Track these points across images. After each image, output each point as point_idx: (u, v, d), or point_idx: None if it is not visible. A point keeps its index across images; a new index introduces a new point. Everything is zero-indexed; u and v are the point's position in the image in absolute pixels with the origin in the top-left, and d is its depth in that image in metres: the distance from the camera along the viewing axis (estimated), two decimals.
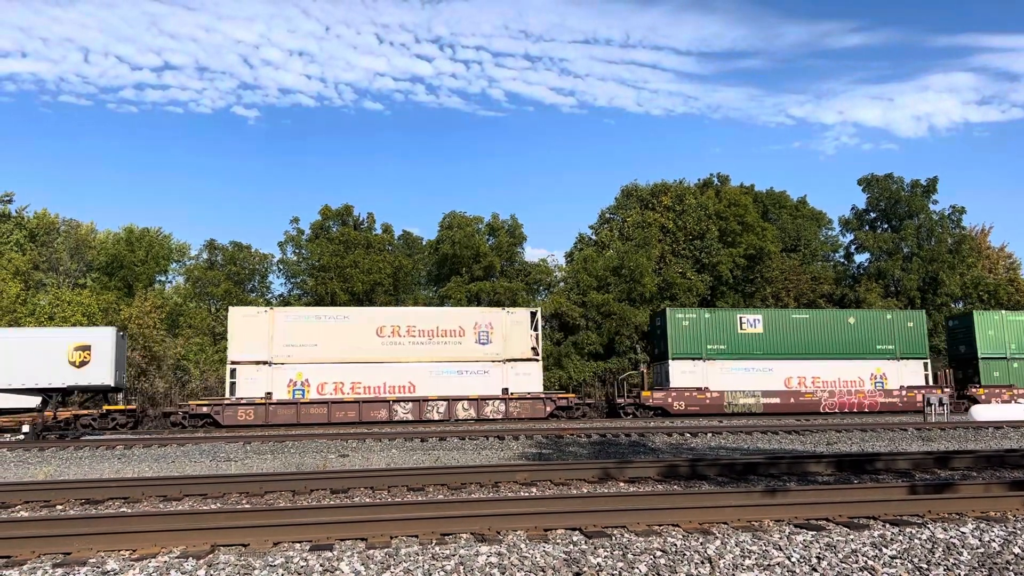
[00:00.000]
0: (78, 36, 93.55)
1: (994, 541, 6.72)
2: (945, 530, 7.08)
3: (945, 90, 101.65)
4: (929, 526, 7.30)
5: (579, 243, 49.72)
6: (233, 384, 26.76)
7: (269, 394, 26.73)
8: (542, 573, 5.89)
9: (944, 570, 5.96)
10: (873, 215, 53.63)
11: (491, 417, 27.62)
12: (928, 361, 32.66)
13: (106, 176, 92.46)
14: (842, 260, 54.92)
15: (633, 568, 5.95)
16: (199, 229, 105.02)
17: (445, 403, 27.39)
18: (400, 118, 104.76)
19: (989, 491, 8.98)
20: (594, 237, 49.35)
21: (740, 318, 31.85)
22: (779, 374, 31.29)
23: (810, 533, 7.03)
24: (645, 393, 30.17)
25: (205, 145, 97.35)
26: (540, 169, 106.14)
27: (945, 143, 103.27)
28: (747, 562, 6.11)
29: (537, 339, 28.89)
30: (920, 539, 6.75)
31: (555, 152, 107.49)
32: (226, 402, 26.36)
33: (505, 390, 28.12)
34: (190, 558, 6.30)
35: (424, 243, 48.65)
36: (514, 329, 28.84)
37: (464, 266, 42.92)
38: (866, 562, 6.11)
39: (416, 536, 7.12)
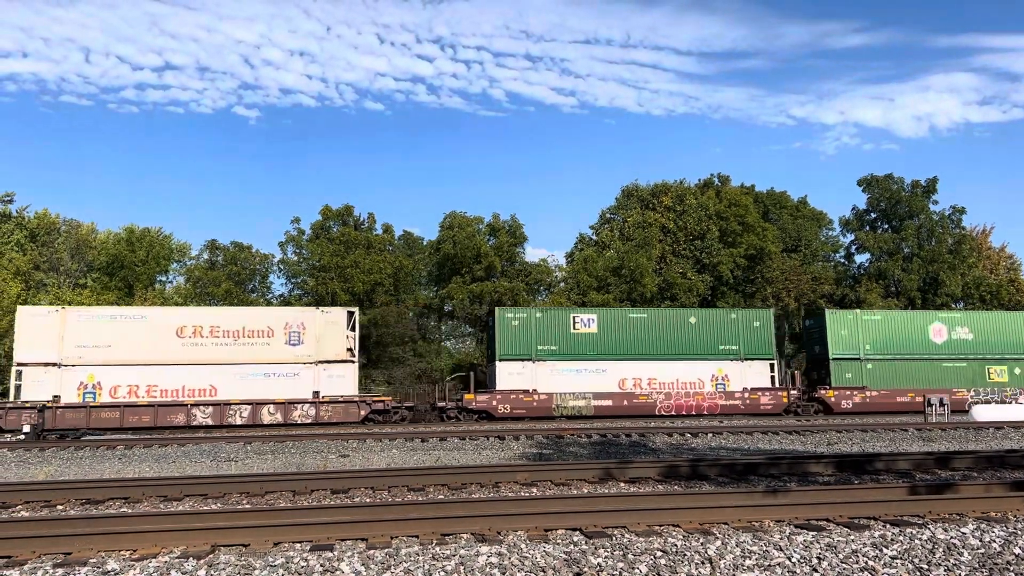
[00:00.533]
0: (79, 36, 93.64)
1: (995, 542, 6.71)
2: (946, 530, 7.08)
3: (946, 90, 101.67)
4: (930, 526, 7.30)
5: (579, 243, 49.75)
6: (19, 387, 25.70)
7: (57, 397, 25.71)
8: (542, 573, 5.89)
9: (945, 570, 5.96)
10: (873, 215, 53.62)
11: (299, 421, 26.59)
12: (774, 362, 31.57)
13: (107, 176, 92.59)
14: (843, 260, 54.94)
15: (633, 568, 5.95)
16: (200, 229, 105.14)
17: (249, 407, 26.37)
18: (401, 118, 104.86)
19: (990, 491, 8.97)
20: (594, 237, 49.37)
21: (573, 317, 30.78)
22: (613, 375, 30.19)
23: (811, 533, 7.03)
24: (468, 396, 29.04)
25: (206, 145, 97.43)
26: (540, 169, 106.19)
27: (946, 143, 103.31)
28: (747, 562, 6.11)
29: (354, 340, 27.88)
30: (921, 539, 6.75)
31: (555, 152, 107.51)
32: (9, 406, 25.41)
33: (316, 393, 27.06)
34: (190, 558, 6.30)
35: (425, 243, 48.68)
36: (328, 330, 27.70)
37: (465, 266, 42.94)
38: (867, 563, 6.10)
39: (416, 536, 7.12)
